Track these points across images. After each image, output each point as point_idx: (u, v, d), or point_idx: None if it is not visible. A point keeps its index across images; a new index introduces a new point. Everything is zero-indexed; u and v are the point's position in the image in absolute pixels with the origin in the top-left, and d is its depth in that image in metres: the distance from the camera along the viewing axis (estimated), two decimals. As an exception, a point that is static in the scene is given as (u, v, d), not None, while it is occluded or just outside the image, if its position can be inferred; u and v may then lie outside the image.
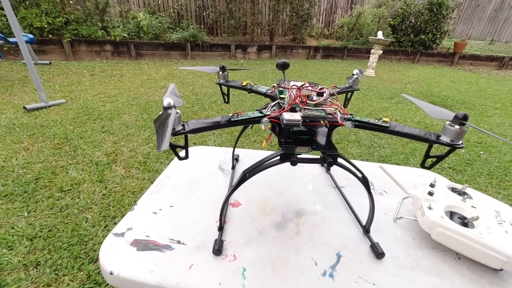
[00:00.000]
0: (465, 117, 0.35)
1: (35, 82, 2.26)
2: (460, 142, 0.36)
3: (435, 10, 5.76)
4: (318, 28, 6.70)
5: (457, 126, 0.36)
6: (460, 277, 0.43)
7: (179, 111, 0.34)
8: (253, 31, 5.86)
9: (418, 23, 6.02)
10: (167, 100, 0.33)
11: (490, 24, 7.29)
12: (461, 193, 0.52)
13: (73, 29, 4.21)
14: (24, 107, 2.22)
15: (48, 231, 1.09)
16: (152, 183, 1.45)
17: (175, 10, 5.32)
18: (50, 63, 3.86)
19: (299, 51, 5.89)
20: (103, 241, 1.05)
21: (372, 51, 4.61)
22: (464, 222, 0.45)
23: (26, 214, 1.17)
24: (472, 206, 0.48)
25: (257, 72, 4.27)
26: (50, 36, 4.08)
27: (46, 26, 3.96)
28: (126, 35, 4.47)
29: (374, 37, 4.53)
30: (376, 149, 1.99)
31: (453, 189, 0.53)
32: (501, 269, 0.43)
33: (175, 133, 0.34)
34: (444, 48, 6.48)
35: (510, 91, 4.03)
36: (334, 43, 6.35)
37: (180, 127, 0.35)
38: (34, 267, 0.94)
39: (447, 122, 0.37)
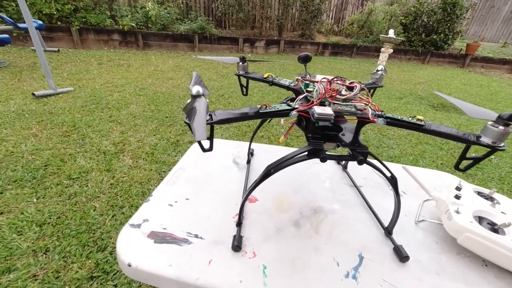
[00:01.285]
0: (510, 118, 0.33)
1: (44, 69, 2.26)
2: (502, 144, 0.34)
3: (449, 9, 5.62)
4: (328, 24, 6.59)
5: (501, 127, 0.33)
6: (487, 285, 0.41)
7: (207, 100, 0.33)
8: (261, 25, 5.79)
9: (431, 23, 5.89)
10: (196, 88, 0.32)
11: (504, 26, 7.11)
12: (489, 198, 0.50)
13: (81, 16, 4.19)
14: (33, 94, 2.22)
15: (57, 218, 1.09)
16: (159, 174, 1.44)
17: (184, 1, 5.26)
18: (59, 50, 3.86)
19: (308, 47, 5.81)
20: (111, 230, 1.05)
21: (382, 49, 4.53)
22: (494, 228, 0.43)
23: (35, 200, 1.17)
24: (502, 212, 0.46)
25: (264, 67, 4.22)
26: (58, 23, 4.07)
27: (55, 12, 3.94)
28: (134, 24, 4.43)
29: (385, 36, 4.44)
30: (384, 150, 1.96)
31: (480, 193, 0.51)
32: (532, 279, 0.41)
33: (203, 123, 0.32)
34: (456, 49, 6.34)
35: (523, 96, 3.94)
36: (343, 40, 6.25)
37: (208, 117, 0.33)
38: (44, 253, 0.94)
39: (489, 123, 0.35)
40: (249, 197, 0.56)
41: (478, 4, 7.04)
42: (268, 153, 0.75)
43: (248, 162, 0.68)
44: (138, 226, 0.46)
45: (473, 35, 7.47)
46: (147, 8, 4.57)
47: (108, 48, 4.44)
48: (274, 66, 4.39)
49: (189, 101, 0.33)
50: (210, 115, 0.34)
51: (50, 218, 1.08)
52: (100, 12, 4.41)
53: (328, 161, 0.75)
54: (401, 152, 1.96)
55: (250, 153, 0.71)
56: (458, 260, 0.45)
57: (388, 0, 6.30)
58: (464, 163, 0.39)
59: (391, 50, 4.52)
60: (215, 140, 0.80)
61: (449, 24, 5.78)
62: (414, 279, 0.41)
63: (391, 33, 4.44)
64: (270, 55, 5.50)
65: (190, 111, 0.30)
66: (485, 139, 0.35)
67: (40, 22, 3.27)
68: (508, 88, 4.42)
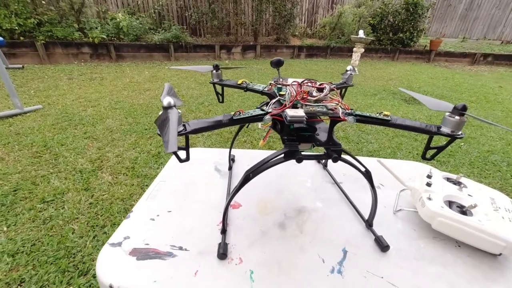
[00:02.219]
0: (464, 108, 0.36)
1: (7, 88, 2.12)
2: (460, 132, 0.37)
3: (411, 9, 6.00)
4: (301, 28, 6.78)
5: (457, 117, 0.36)
6: (462, 264, 0.44)
7: (180, 111, 0.33)
8: (237, 31, 5.85)
9: (396, 22, 6.25)
10: (167, 100, 0.32)
11: (461, 22, 7.71)
12: (456, 183, 0.53)
13: (46, 30, 4.00)
14: (-3, 115, 2.08)
15: (31, 246, 1.02)
16: (141, 188, 1.40)
17: (156, 11, 5.19)
18: (23, 67, 3.65)
19: (284, 51, 5.94)
20: (93, 252, 1.00)
21: (354, 49, 4.72)
22: (463, 210, 0.46)
23: (5, 228, 1.09)
24: (468, 195, 0.49)
25: (243, 72, 4.25)
26: (21, 38, 3.85)
27: (16, 28, 3.73)
28: (105, 36, 4.30)
29: (356, 36, 4.63)
30: (364, 145, 2.04)
31: (449, 179, 0.55)
32: (500, 254, 0.44)
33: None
34: (421, 45, 6.77)
35: (483, 85, 4.27)
36: (317, 42, 6.45)
37: (181, 128, 0.33)
38: (18, 285, 0.87)
39: (447, 114, 0.38)
40: (233, 203, 0.56)
41: (436, 4, 7.58)
42: (249, 158, 0.75)
43: (230, 168, 0.68)
44: (119, 244, 0.45)
45: (435, 32, 8.02)
46: (118, 19, 4.46)
47: (79, 61, 4.27)
48: (253, 71, 4.43)
49: (161, 112, 0.32)
50: (184, 125, 0.34)
51: (23, 247, 1.01)
52: (67, 25, 4.23)
53: (309, 160, 0.77)
54: (379, 146, 2.04)
55: (232, 159, 0.71)
56: (435, 244, 0.48)
57: (355, 2, 6.62)
58: (430, 152, 0.42)
59: (363, 50, 4.72)
60: (196, 149, 0.80)
61: (412, 23, 6.16)
62: (396, 267, 0.43)
63: (361, 33, 4.65)
64: (247, 60, 5.55)
65: (161, 123, 0.30)
66: (445, 129, 0.37)
67: (1, 38, 3.08)
68: (470, 79, 4.77)
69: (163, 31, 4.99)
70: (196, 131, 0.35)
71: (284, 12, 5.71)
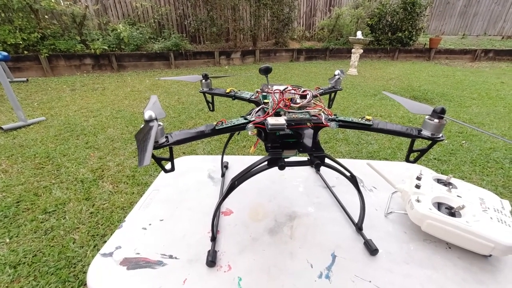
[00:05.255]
0: (442, 111, 0.36)
1: (11, 101, 2.17)
2: (440, 135, 0.37)
3: (409, 8, 6.00)
4: (300, 31, 6.83)
5: (436, 120, 0.37)
6: (452, 267, 0.43)
7: (161, 123, 0.33)
8: (235, 37, 5.90)
9: (394, 22, 6.26)
10: (148, 113, 0.33)
11: (461, 19, 7.68)
12: (446, 184, 0.53)
13: (50, 44, 4.09)
14: (1, 128, 2.12)
15: (32, 256, 1.03)
16: (141, 196, 1.40)
17: (156, 20, 5.28)
18: (27, 80, 3.73)
19: (283, 54, 5.97)
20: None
21: (353, 50, 4.74)
22: (451, 212, 0.46)
23: (8, 240, 1.10)
24: (457, 196, 0.49)
25: (242, 78, 4.29)
26: (25, 52, 3.95)
27: (21, 42, 3.83)
28: (106, 47, 4.38)
29: (354, 37, 4.66)
30: (364, 146, 2.03)
31: (439, 180, 0.55)
32: (490, 255, 0.44)
33: (158, 146, 0.33)
34: (421, 44, 6.75)
35: (485, 82, 4.23)
36: (316, 44, 6.48)
37: (164, 140, 0.34)
38: (19, 296, 0.88)
39: (427, 117, 0.38)
40: (224, 210, 0.57)
41: (435, 1, 7.58)
42: (242, 164, 0.75)
43: (223, 175, 0.69)
44: (110, 254, 0.45)
45: (434, 30, 8.00)
46: (119, 30, 4.54)
47: (81, 73, 4.34)
48: (252, 76, 4.46)
49: (142, 125, 0.33)
50: (167, 137, 0.35)
51: (25, 258, 1.02)
52: (69, 38, 4.32)
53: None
54: (379, 146, 2.03)
55: (225, 166, 0.71)
56: (425, 247, 0.47)
57: (353, 4, 6.65)
58: (414, 154, 0.42)
59: (361, 50, 4.74)
60: (190, 157, 0.81)
61: (411, 22, 6.16)
62: (385, 270, 0.43)
63: (359, 34, 4.67)
64: (247, 65, 5.59)
65: (142, 137, 0.31)
66: (425, 132, 0.38)
67: (5, 53, 3.15)
68: (471, 76, 4.72)
69: (163, 39, 5.06)
70: (178, 142, 0.35)
71: (282, 16, 5.76)
